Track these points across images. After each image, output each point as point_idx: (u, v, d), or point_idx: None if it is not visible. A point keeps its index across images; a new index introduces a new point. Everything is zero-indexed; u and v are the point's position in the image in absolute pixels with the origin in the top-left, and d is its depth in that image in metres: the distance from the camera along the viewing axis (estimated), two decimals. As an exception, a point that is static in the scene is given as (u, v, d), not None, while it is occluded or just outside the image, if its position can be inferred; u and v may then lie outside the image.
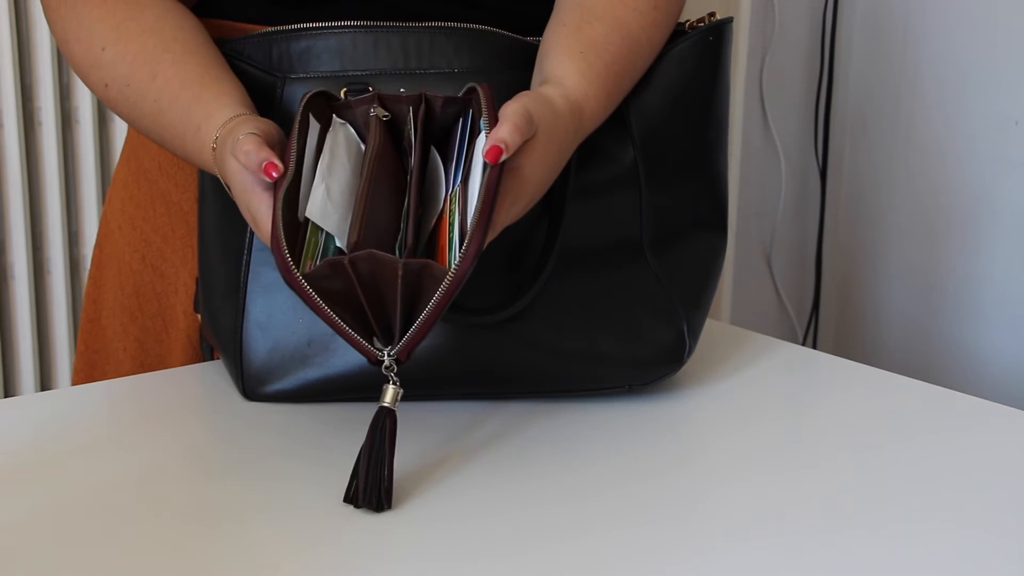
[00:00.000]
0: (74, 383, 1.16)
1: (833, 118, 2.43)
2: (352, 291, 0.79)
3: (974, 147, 2.19)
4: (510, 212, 0.86)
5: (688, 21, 1.02)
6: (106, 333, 1.14)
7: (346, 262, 0.78)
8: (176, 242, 1.08)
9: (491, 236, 0.83)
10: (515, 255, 0.96)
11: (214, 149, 0.89)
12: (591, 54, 0.94)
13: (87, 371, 1.16)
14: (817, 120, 2.45)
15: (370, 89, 0.94)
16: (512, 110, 0.84)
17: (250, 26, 1.00)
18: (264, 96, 0.95)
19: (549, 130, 0.87)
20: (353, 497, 0.80)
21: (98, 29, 0.95)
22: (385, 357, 0.80)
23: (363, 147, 0.89)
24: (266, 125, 0.87)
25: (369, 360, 0.81)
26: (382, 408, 0.82)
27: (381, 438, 0.81)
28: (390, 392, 0.82)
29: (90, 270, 1.18)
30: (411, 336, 0.80)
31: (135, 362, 1.11)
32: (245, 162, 0.83)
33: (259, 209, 0.84)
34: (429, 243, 0.86)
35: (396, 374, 0.81)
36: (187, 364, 1.07)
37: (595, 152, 0.98)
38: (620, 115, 0.98)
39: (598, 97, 0.94)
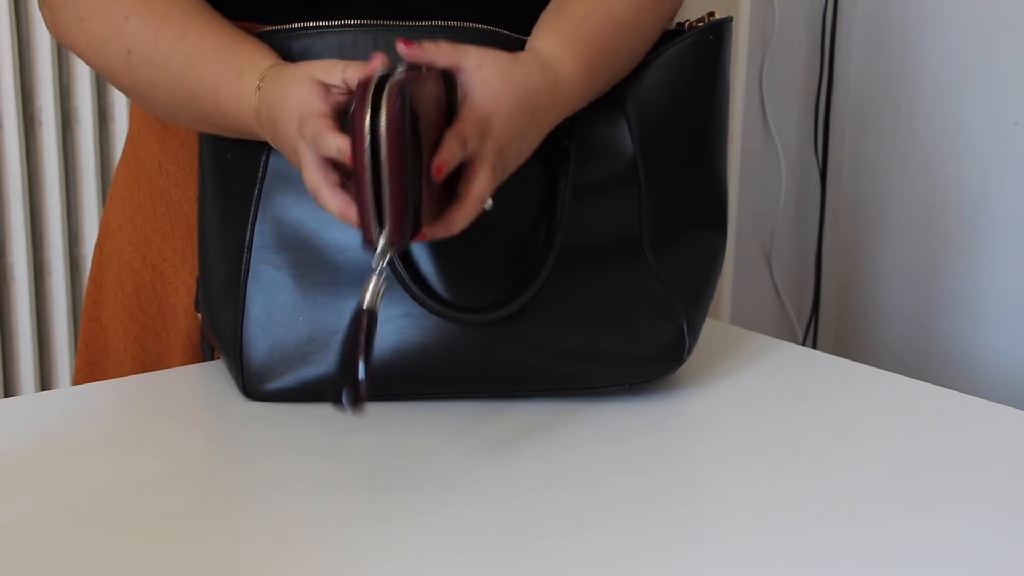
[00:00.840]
0: (75, 383, 1.16)
1: (833, 118, 2.43)
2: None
3: (974, 147, 2.19)
4: (477, 147, 0.86)
5: (688, 21, 1.03)
6: (107, 332, 1.14)
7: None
8: (176, 241, 1.08)
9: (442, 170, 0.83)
10: (515, 253, 0.96)
11: (259, 88, 0.90)
12: (568, 28, 0.96)
13: (88, 370, 1.16)
14: (817, 120, 2.45)
15: None
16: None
17: (251, 24, 1.01)
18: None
19: (507, 71, 0.89)
20: (331, 395, 0.80)
21: (119, 1, 0.96)
22: (380, 240, 0.80)
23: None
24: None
25: (365, 241, 0.81)
26: (360, 311, 0.81)
27: (355, 337, 0.80)
28: (370, 288, 0.82)
29: (91, 270, 1.18)
30: (391, 207, 0.79)
31: (135, 361, 1.11)
32: (347, 75, 0.86)
33: (320, 128, 0.84)
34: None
35: (388, 264, 0.81)
36: (187, 363, 1.07)
37: (595, 149, 0.98)
38: (620, 113, 0.99)
39: (575, 62, 0.94)
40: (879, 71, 2.35)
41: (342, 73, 0.87)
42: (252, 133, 0.93)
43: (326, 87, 0.87)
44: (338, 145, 0.83)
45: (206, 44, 0.93)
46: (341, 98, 0.87)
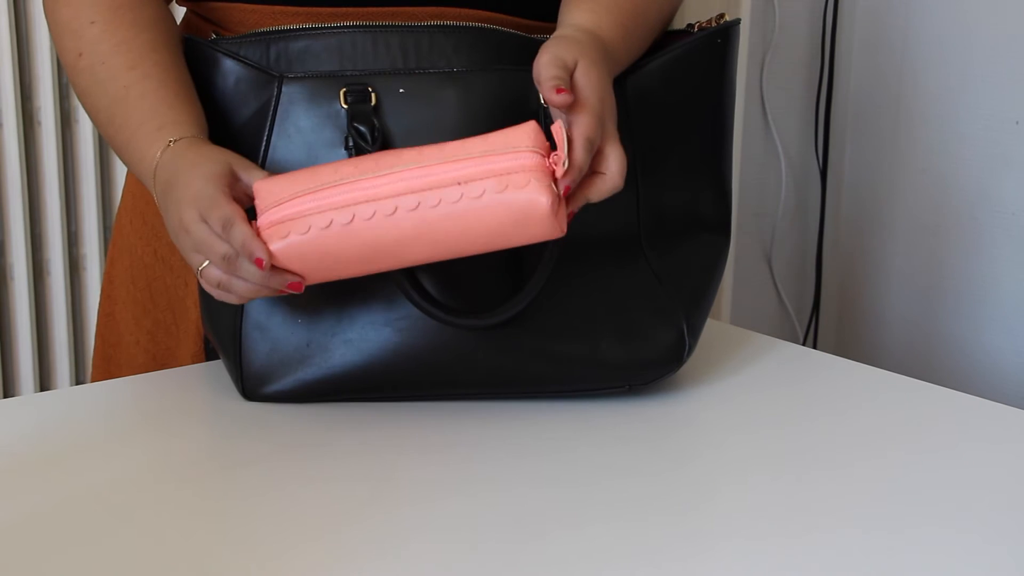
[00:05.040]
0: (92, 379, 1.17)
1: (833, 118, 2.43)
2: None
3: (974, 147, 2.19)
4: (603, 134, 0.89)
5: (698, 22, 1.02)
6: (119, 328, 1.15)
7: None
8: None
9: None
10: (513, 256, 0.96)
11: (169, 145, 0.91)
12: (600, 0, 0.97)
13: (104, 366, 1.17)
14: (817, 120, 2.44)
15: (370, 90, 0.94)
16: (544, 64, 0.89)
17: (251, 7, 1.01)
18: (261, 95, 0.95)
19: (584, 53, 0.91)
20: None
21: (94, 2, 0.97)
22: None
23: None
24: (221, 165, 0.89)
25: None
26: None
27: None
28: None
29: (105, 266, 1.19)
30: None
31: (148, 355, 1.12)
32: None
33: (239, 224, 0.87)
34: None
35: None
36: (198, 356, 1.07)
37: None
38: (621, 110, 0.98)
39: (612, 27, 0.96)
40: (879, 71, 2.34)
41: (255, 175, 0.89)
42: (144, 184, 0.95)
43: (236, 179, 0.89)
44: (244, 243, 0.86)
45: (147, 84, 0.95)
46: (244, 197, 0.89)
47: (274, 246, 0.86)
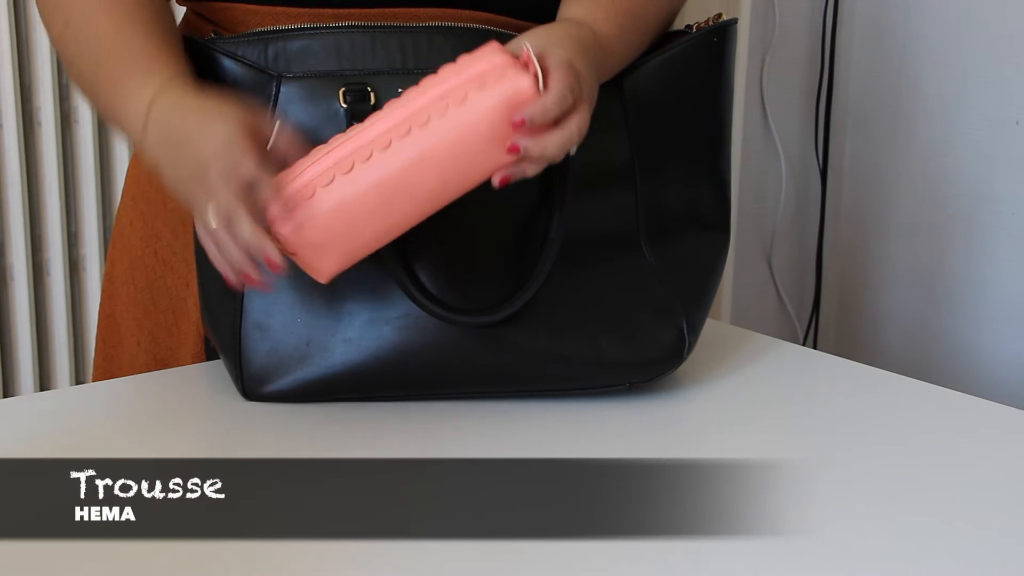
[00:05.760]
0: (94, 379, 1.17)
1: (833, 118, 2.43)
2: None
3: (974, 147, 2.19)
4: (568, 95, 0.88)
5: (696, 24, 1.02)
6: (120, 328, 1.15)
7: None
8: (186, 235, 1.08)
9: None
10: (513, 255, 0.96)
11: (162, 88, 0.91)
12: None
13: (105, 366, 1.17)
14: (817, 120, 2.44)
15: (368, 89, 0.94)
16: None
17: (251, 8, 1.01)
18: (260, 94, 0.95)
19: (553, 29, 0.92)
20: None
21: None
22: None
23: None
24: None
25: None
26: None
27: None
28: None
29: (105, 267, 1.18)
30: None
31: (149, 356, 1.12)
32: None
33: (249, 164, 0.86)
34: None
35: None
36: (198, 357, 1.07)
37: (592, 147, 0.97)
38: (618, 110, 0.98)
39: (608, 22, 0.96)
40: (879, 71, 2.34)
41: (274, 128, 0.88)
42: (129, 133, 0.94)
43: (257, 129, 0.88)
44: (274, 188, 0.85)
45: (134, 42, 0.94)
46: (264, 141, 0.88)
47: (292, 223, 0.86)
